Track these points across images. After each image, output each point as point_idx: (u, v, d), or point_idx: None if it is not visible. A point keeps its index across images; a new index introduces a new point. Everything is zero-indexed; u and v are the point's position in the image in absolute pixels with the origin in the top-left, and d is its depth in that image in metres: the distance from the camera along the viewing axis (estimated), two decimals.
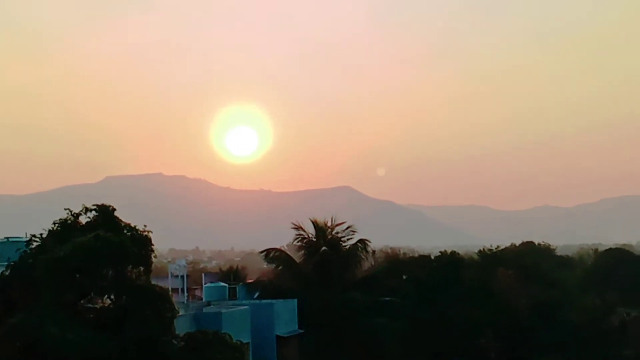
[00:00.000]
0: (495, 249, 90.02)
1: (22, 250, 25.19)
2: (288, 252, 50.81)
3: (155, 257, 27.00)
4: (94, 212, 25.86)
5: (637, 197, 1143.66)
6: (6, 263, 25.26)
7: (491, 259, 78.64)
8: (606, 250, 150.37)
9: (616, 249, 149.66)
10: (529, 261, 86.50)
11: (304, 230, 50.43)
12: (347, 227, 50.85)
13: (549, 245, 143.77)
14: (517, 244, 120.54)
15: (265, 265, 51.70)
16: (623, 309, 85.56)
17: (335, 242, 49.44)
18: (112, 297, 24.40)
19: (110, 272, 23.96)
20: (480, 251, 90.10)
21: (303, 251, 50.04)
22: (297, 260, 50.03)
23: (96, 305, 24.57)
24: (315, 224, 50.47)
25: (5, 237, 35.89)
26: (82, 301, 24.18)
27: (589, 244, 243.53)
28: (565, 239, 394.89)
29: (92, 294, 24.35)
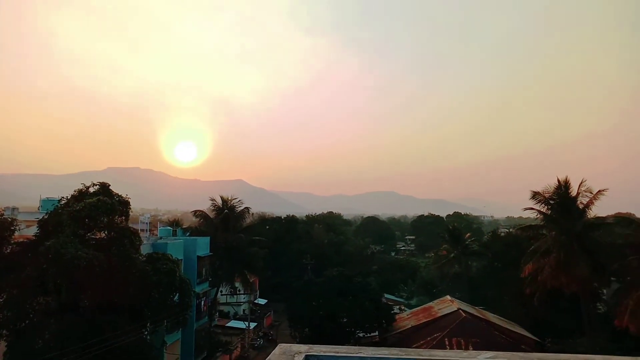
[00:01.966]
0: (314, 215, 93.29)
1: (55, 205, 24.85)
2: (207, 213, 51.62)
3: (131, 212, 27.66)
4: (97, 186, 25.64)
5: (380, 192, 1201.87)
6: (46, 212, 25.09)
7: (312, 219, 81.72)
8: (366, 217, 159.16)
9: (369, 217, 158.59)
10: (330, 221, 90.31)
11: (216, 201, 51.64)
12: (239, 201, 52.31)
13: (341, 214, 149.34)
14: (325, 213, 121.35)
15: (194, 219, 52.35)
16: (373, 246, 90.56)
17: (232, 208, 50.89)
18: (106, 232, 24.12)
19: (105, 219, 23.67)
20: (307, 216, 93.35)
21: (214, 212, 51.07)
22: (212, 217, 50.98)
23: (96, 237, 24.07)
24: (222, 198, 51.79)
25: (46, 197, 35.26)
26: (88, 234, 23.64)
27: (359, 214, 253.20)
28: (350, 214, 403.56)
29: (94, 231, 23.91)
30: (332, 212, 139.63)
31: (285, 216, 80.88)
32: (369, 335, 36.81)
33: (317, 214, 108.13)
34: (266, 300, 63.62)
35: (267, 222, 76.02)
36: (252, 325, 50.12)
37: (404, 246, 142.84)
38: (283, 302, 52.13)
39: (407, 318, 40.00)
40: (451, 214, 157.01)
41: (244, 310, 56.25)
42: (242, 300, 55.91)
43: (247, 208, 52.12)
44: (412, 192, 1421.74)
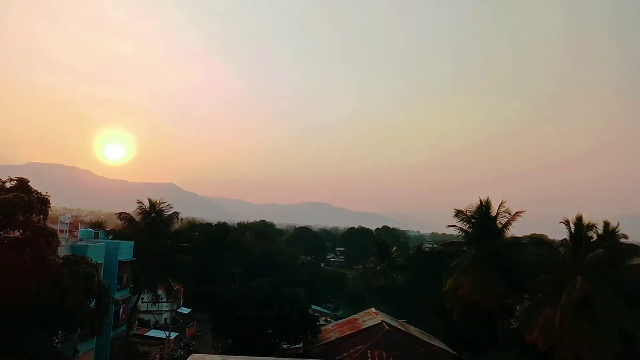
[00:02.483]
0: (246, 223, 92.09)
1: None
2: (133, 216, 49.49)
3: (51, 211, 26.24)
4: (15, 182, 24.39)
5: (315, 203, 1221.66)
6: None
7: (244, 227, 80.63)
8: (298, 227, 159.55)
9: (302, 227, 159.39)
10: (262, 230, 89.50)
11: (143, 204, 49.59)
12: (168, 205, 50.60)
13: (273, 223, 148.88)
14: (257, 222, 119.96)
15: (118, 222, 50.08)
16: (303, 257, 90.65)
17: (160, 212, 49.12)
18: (21, 231, 22.93)
19: (21, 217, 22.53)
20: (238, 223, 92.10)
21: (141, 216, 49.04)
22: (138, 220, 48.93)
23: (10, 235, 22.73)
24: (150, 201, 49.83)
25: None
26: (1, 232, 22.45)
27: (292, 224, 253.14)
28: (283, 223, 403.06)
29: (8, 229, 22.67)
30: (264, 220, 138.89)
31: (216, 223, 79.30)
32: (293, 347, 36.70)
33: (250, 222, 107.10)
34: (190, 310, 61.82)
35: (197, 228, 74.25)
36: (173, 335, 48.54)
37: (333, 257, 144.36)
38: (208, 312, 50.90)
39: (332, 330, 40.27)
40: (380, 227, 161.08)
41: (165, 319, 54.31)
42: (165, 309, 54.09)
43: (176, 213, 50.57)
44: (346, 204, 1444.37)
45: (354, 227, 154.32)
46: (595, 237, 36.51)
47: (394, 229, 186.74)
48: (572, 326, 30.59)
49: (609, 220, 39.35)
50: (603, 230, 38.06)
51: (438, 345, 37.52)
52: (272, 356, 29.43)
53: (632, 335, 38.51)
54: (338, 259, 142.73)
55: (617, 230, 38.53)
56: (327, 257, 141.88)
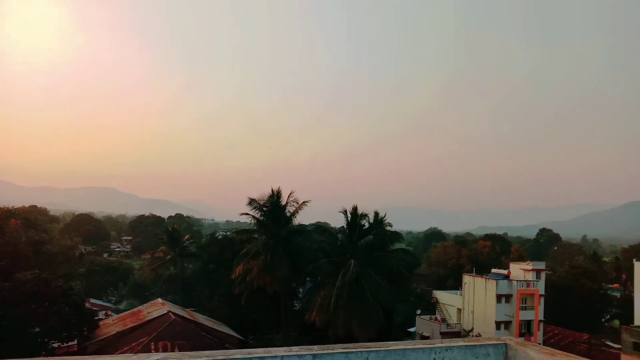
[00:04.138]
0: (12, 208, 79.17)
1: None
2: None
3: None
4: None
5: (99, 187, 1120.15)
6: None
7: (7, 213, 69.12)
8: (78, 214, 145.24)
9: (82, 214, 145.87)
10: (31, 217, 78.12)
11: None
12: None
13: (47, 209, 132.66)
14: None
15: None
16: (83, 247, 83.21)
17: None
18: None
19: None
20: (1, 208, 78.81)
21: None
22: None
23: None
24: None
25: None
26: None
27: (71, 211, 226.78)
28: (59, 210, 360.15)
29: None
30: (36, 206, 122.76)
31: None
32: (65, 344, 33.42)
33: (16, 207, 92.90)
34: None
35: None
36: None
37: (119, 247, 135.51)
38: None
39: (112, 324, 37.77)
40: (173, 215, 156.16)
41: None
42: None
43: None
44: (135, 190, 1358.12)
45: (143, 215, 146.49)
46: (367, 225, 41.70)
47: (188, 217, 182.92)
48: (345, 305, 34.40)
49: (379, 211, 45.34)
50: (374, 219, 43.70)
51: (226, 331, 38.21)
52: (38, 357, 26.32)
53: (392, 310, 45.04)
54: (124, 249, 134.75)
55: (384, 219, 44.62)
56: (112, 246, 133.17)
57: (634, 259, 71.36)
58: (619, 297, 72.11)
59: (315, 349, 4.56)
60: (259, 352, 4.39)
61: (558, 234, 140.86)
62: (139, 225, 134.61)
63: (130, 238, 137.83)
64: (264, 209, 40.87)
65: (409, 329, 52.03)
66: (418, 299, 61.96)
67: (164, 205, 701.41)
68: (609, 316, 69.61)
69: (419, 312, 52.85)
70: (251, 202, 40.83)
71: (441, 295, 56.74)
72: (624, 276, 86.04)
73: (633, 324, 50.09)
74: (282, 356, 4.32)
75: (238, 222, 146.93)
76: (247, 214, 40.95)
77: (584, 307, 63.43)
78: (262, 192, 41.71)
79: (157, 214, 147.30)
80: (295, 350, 4.49)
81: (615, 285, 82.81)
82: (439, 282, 69.91)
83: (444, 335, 46.45)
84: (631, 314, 58.74)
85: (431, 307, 57.39)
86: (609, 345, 53.47)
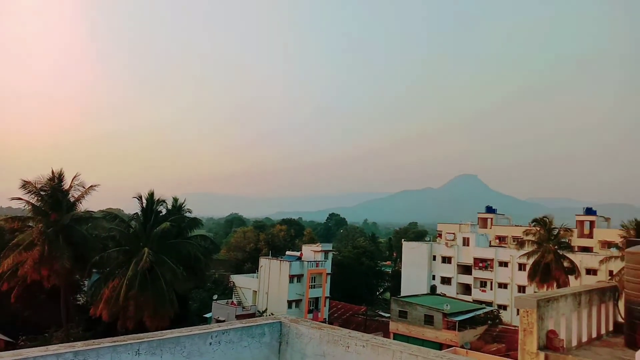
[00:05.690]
0: None
1: None
2: None
3: None
4: None
5: None
6: None
7: None
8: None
9: None
10: None
11: None
12: None
13: None
14: None
15: None
16: None
17: None
18: None
19: None
20: None
21: None
22: None
23: None
24: None
25: None
26: None
27: None
28: None
29: None
30: None
31: None
32: None
33: None
34: None
35: None
36: None
37: None
38: None
39: None
40: None
41: None
42: None
43: None
44: None
45: None
46: (164, 211, 40.03)
47: None
48: (136, 295, 32.54)
49: (179, 197, 44.04)
50: (172, 206, 42.18)
51: None
52: None
53: (188, 297, 44.30)
54: None
55: (184, 205, 43.44)
56: None
57: (403, 239, 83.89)
58: (390, 272, 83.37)
59: (78, 345, 4.14)
60: (6, 354, 3.80)
61: (344, 218, 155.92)
62: None
63: None
64: (41, 193, 36.04)
65: (205, 315, 51.95)
66: (216, 284, 62.25)
67: None
68: (382, 289, 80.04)
69: (215, 297, 53.13)
70: (25, 185, 35.61)
71: (238, 279, 58.02)
72: (394, 254, 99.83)
73: (400, 295, 58.80)
74: (35, 357, 3.82)
75: (10, 208, 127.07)
76: (20, 198, 35.66)
77: (363, 282, 71.74)
78: (40, 174, 36.78)
79: None
80: (53, 349, 4.01)
81: (387, 262, 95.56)
82: (237, 266, 71.29)
83: (239, 317, 47.63)
84: (399, 286, 68.92)
85: (228, 291, 58.22)
86: (381, 315, 61.66)
